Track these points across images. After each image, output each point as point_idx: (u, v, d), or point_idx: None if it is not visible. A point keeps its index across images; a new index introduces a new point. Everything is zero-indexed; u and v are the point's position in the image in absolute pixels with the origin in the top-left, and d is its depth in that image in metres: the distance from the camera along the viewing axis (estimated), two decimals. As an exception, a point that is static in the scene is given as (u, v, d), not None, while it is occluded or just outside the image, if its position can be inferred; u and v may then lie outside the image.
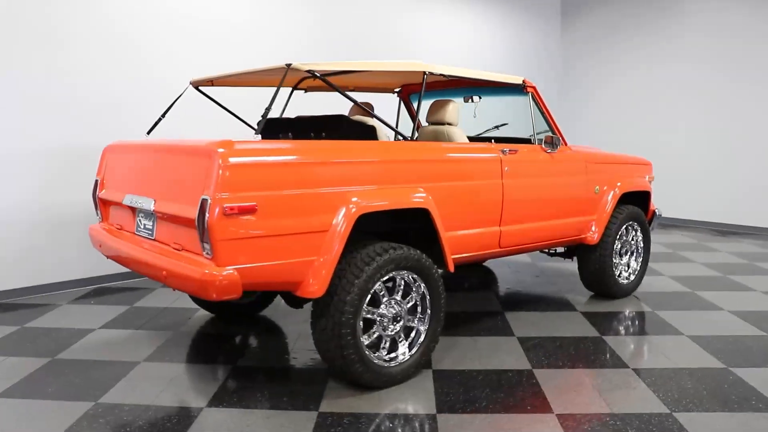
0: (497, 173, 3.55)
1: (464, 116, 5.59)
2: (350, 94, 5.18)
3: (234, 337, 3.74)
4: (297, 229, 2.63)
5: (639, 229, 4.76)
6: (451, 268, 3.28)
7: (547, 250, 4.90)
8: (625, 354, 3.47)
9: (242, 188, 2.46)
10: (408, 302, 3.08)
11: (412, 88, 4.87)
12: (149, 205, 2.87)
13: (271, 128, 3.80)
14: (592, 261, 4.47)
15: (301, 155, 2.66)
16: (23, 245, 4.56)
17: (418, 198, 3.05)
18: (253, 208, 2.48)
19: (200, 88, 3.78)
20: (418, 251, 3.03)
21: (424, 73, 3.35)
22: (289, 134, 3.69)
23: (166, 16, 5.15)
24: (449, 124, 3.78)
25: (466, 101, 4.62)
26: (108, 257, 3.29)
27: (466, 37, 8.13)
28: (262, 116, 2.73)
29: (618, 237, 4.58)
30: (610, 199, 4.41)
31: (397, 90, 4.96)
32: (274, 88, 5.44)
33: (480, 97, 4.48)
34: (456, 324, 4.01)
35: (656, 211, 4.99)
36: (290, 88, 4.18)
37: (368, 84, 4.53)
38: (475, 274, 5.48)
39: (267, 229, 2.54)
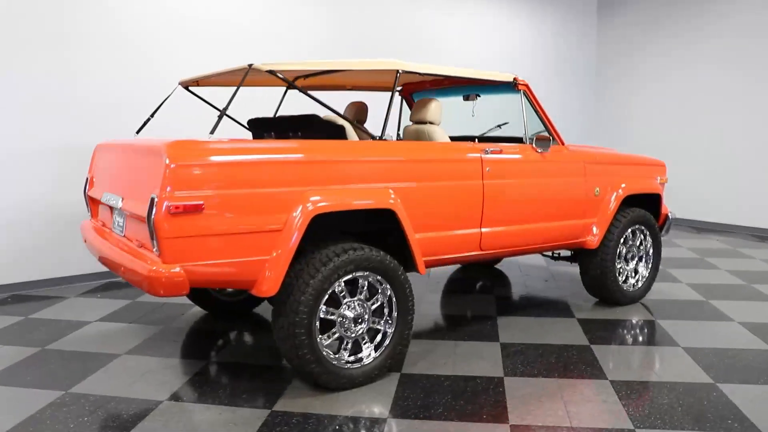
0: (477, 174, 3.46)
1: (465, 115, 5.48)
2: (330, 93, 5.08)
3: (219, 334, 3.82)
4: (248, 229, 2.65)
5: (647, 233, 4.53)
6: (422, 271, 3.22)
7: (550, 254, 4.74)
8: (607, 365, 3.30)
9: (189, 187, 2.50)
10: (373, 304, 3.05)
11: (413, 87, 4.82)
12: (118, 202, 2.96)
13: (258, 127, 3.85)
14: (593, 266, 4.29)
15: (252, 154, 2.68)
16: (40, 239, 4.80)
17: (385, 199, 3.01)
18: (200, 207, 2.52)
19: (189, 88, 3.88)
20: (381, 252, 2.99)
21: (397, 71, 3.31)
22: (272, 134, 3.73)
23: (167, 16, 5.29)
24: (431, 123, 3.71)
25: (465, 100, 4.54)
26: (91, 253, 3.42)
27: (493, 37, 7.98)
28: (218, 117, 2.77)
29: (622, 241, 4.38)
30: (612, 201, 4.22)
31: (398, 89, 4.92)
32: (272, 88, 5.51)
33: (478, 96, 4.38)
34: (442, 327, 3.94)
35: (669, 214, 4.73)
36: (284, 88, 4.22)
37: (364, 83, 4.50)
38: (483, 276, 5.37)
39: (215, 228, 2.57)
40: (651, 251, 4.59)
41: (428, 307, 4.41)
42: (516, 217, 3.68)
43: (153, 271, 2.47)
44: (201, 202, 2.52)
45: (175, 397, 2.89)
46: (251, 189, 2.65)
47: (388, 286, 3.06)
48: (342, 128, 3.21)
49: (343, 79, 4.13)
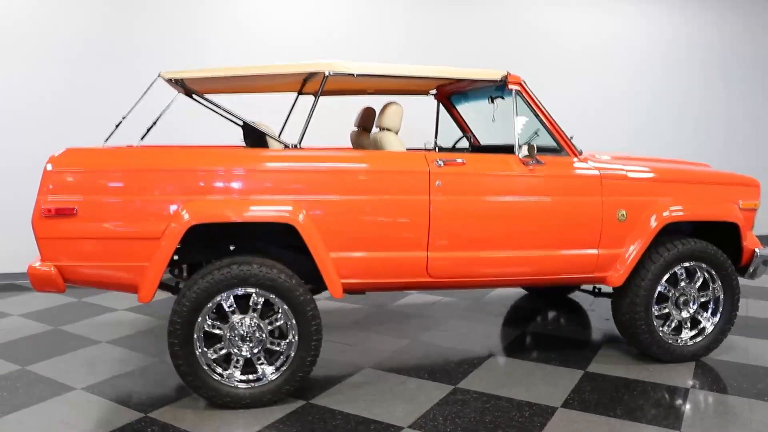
0: (421, 188, 3.01)
1: (486, 122, 4.71)
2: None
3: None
4: (123, 235, 2.70)
5: (714, 273, 3.45)
6: (336, 294, 2.91)
7: (591, 287, 3.91)
8: (547, 435, 2.60)
9: (63, 192, 2.65)
10: (271, 323, 2.86)
11: (449, 90, 4.37)
12: None
13: (248, 135, 3.89)
14: (622, 309, 3.41)
15: (129, 163, 2.72)
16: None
17: (279, 211, 2.80)
18: (72, 211, 2.64)
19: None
20: (274, 270, 2.79)
21: (324, 74, 3.05)
22: (246, 141, 3.73)
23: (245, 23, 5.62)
24: (387, 129, 3.33)
25: (491, 102, 3.97)
26: None
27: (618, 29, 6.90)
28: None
29: (667, 281, 3.40)
30: (648, 228, 3.30)
31: (432, 92, 4.52)
32: (282, 94, 5.26)
33: (492, 98, 3.81)
34: (416, 361, 3.51)
35: (757, 251, 3.53)
36: (295, 93, 4.17)
37: (392, 87, 4.22)
38: (538, 306, 4.65)
39: (89, 232, 2.67)
40: (721, 297, 3.49)
41: (428, 336, 3.97)
42: (482, 242, 3.11)
43: (30, 268, 2.67)
44: (74, 207, 2.65)
45: (93, 387, 3.07)
46: (126, 197, 2.69)
47: (286, 306, 2.84)
48: (262, 135, 3.08)
49: (379, 84, 3.90)
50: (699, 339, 3.48)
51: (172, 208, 2.73)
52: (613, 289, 3.49)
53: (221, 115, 3.00)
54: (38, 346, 3.68)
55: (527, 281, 3.30)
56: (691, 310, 3.48)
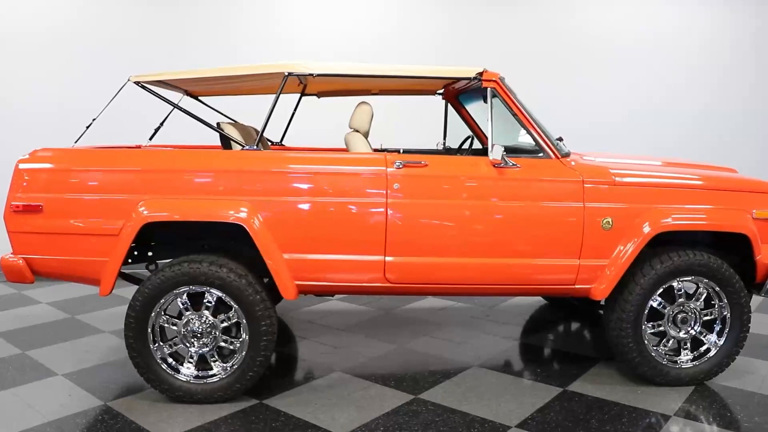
0: (378, 190, 2.92)
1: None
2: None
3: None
4: (85, 231, 2.84)
5: (719, 290, 3.08)
6: (288, 296, 2.90)
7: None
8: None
9: (30, 190, 2.83)
10: (223, 321, 2.90)
11: (455, 89, 4.22)
12: None
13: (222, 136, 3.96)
14: (610, 324, 3.14)
15: (90, 163, 2.86)
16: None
17: (228, 212, 2.83)
18: (38, 208, 2.82)
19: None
20: (224, 270, 2.82)
21: (284, 74, 3.03)
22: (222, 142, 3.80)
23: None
24: (355, 130, 3.26)
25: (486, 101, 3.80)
26: None
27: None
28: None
29: (661, 296, 3.08)
30: (635, 239, 3.01)
31: (439, 92, 4.38)
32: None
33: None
34: (390, 368, 3.42)
35: (774, 267, 3.11)
36: (298, 95, 4.21)
37: (394, 87, 4.15)
38: (554, 316, 4.39)
39: (54, 228, 2.84)
40: (727, 317, 3.11)
41: (417, 342, 3.85)
42: (444, 248, 2.97)
43: (2, 260, 2.89)
44: (40, 204, 2.83)
45: (73, 375, 3.26)
46: (87, 195, 2.84)
47: (236, 305, 2.86)
48: (225, 136, 3.12)
49: (369, 84, 3.88)
50: (700, 362, 3.13)
51: (129, 207, 2.84)
52: (604, 302, 3.22)
53: (191, 116, 3.09)
54: (47, 332, 3.97)
55: (499, 290, 3.11)
56: (693, 330, 3.14)
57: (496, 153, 2.96)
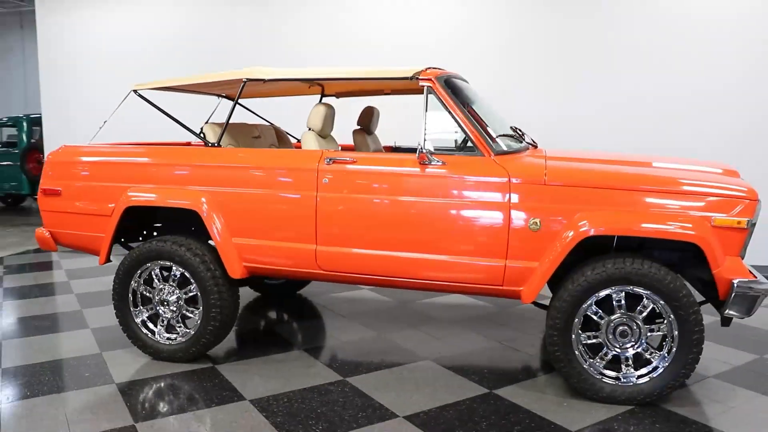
0: (309, 184, 3.18)
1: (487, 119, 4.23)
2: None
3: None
4: (89, 211, 3.55)
5: (665, 304, 2.77)
6: (233, 274, 3.30)
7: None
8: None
9: (55, 177, 3.62)
10: (187, 293, 3.40)
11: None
12: None
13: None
14: (546, 334, 3.01)
15: (92, 157, 3.55)
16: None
17: (186, 199, 3.31)
18: (58, 192, 3.59)
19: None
20: (182, 248, 3.30)
21: (243, 80, 3.41)
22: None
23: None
24: (309, 128, 3.51)
25: None
26: None
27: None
28: (99, 127, 3.73)
29: (596, 304, 2.87)
30: (561, 242, 2.85)
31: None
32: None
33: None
34: (347, 352, 3.65)
35: (736, 282, 2.68)
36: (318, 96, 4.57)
37: (377, 87, 4.24)
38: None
39: (69, 208, 3.59)
40: (675, 334, 2.78)
41: (397, 334, 3.99)
42: (368, 240, 3.12)
43: (37, 231, 3.72)
44: (59, 188, 3.59)
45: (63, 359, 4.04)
46: (90, 183, 3.54)
47: (193, 279, 3.34)
48: (204, 134, 3.61)
49: (366, 85, 4.12)
50: (641, 381, 2.85)
51: (117, 193, 3.47)
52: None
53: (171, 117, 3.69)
54: (93, 299, 4.84)
55: (424, 286, 3.14)
56: (636, 345, 2.87)
57: (427, 149, 3.03)
